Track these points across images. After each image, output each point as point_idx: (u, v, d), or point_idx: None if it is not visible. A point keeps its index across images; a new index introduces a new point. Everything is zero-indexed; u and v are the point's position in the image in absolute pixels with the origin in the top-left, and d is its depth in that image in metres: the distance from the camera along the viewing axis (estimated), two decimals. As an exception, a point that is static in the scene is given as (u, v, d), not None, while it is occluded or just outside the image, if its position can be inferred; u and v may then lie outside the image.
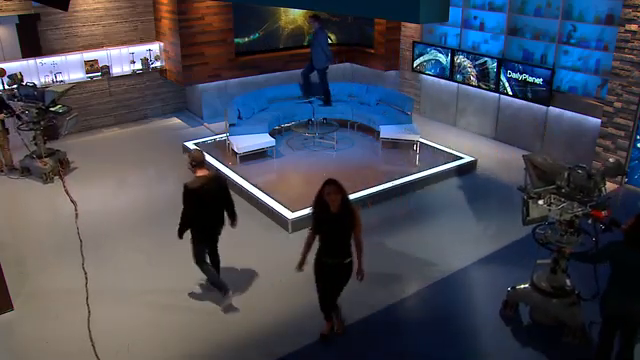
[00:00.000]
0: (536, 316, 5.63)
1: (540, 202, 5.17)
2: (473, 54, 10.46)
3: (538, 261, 5.52)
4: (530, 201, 5.21)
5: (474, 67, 10.39)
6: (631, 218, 4.47)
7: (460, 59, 10.64)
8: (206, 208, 5.58)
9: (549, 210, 5.15)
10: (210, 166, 9.06)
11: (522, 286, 5.64)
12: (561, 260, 5.29)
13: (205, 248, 5.83)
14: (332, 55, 10.58)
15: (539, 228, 5.46)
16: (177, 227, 5.69)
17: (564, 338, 5.27)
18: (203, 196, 5.49)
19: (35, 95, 8.54)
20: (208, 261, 5.89)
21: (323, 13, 11.17)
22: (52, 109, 8.65)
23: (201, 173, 5.55)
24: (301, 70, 10.93)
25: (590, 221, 4.94)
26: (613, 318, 4.60)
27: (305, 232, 7.21)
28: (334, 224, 4.88)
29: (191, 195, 5.48)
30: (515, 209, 7.81)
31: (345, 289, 6.10)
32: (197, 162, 5.54)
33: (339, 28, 12.98)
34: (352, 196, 7.74)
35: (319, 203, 4.87)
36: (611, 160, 5.27)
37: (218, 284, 5.83)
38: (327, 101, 10.60)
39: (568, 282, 5.42)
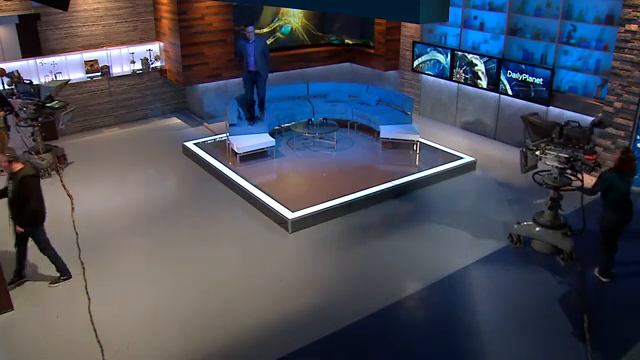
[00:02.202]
0: (536, 246, 6.80)
1: (537, 153, 6.44)
2: (473, 54, 10.47)
3: (536, 201, 6.82)
4: (528, 152, 6.54)
5: (483, 64, 10.32)
6: (616, 153, 5.99)
7: (468, 57, 10.59)
8: (41, 191, 6.08)
9: (539, 158, 6.44)
10: (209, 166, 9.08)
11: (525, 222, 6.83)
12: (556, 198, 6.53)
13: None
14: None
15: (537, 175, 6.63)
16: (28, 222, 5.96)
17: (562, 261, 6.51)
18: (40, 180, 6.07)
19: (32, 92, 8.64)
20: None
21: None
22: (48, 105, 8.71)
23: (18, 166, 5.87)
24: (244, 91, 9.87)
25: (579, 163, 6.16)
26: (607, 228, 6.03)
27: (305, 233, 7.27)
28: None
29: (37, 181, 5.94)
30: (515, 209, 7.86)
31: (344, 289, 6.12)
32: (15, 156, 5.91)
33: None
34: (352, 196, 7.83)
35: None
36: (599, 115, 6.63)
37: (20, 271, 6.17)
38: (262, 114, 9.92)
39: (561, 217, 6.69)
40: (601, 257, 6.24)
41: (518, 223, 6.88)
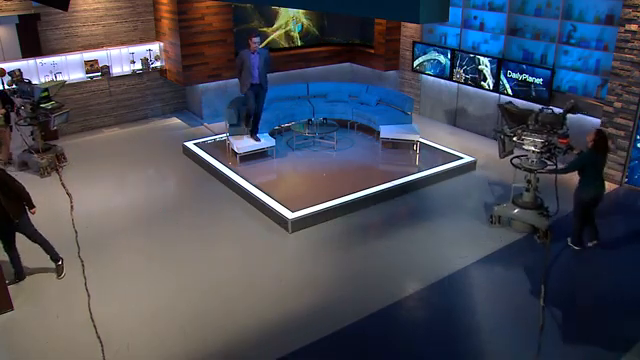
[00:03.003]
0: (515, 226, 7.27)
1: (514, 139, 6.95)
2: (473, 54, 10.47)
3: (514, 185, 7.30)
4: (506, 138, 7.09)
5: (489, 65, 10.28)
6: (591, 133, 6.50)
7: (479, 59, 10.56)
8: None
9: (516, 144, 7.02)
10: (209, 166, 9.08)
11: (504, 204, 7.34)
12: (533, 181, 7.07)
13: None
14: None
15: (515, 159, 7.12)
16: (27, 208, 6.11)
17: (538, 239, 6.97)
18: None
19: (29, 91, 8.65)
20: None
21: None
22: (42, 105, 8.71)
23: None
24: (245, 106, 9.22)
25: (553, 147, 6.71)
26: (587, 201, 6.57)
27: (305, 233, 7.27)
28: None
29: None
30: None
31: (344, 289, 6.13)
32: None
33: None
34: (352, 196, 7.83)
35: None
36: (571, 101, 7.16)
37: (20, 274, 6.26)
38: (256, 130, 9.35)
39: (538, 198, 7.19)
40: (574, 228, 6.81)
41: (498, 205, 7.40)
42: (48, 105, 8.77)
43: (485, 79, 10.29)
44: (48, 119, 8.95)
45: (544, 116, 6.77)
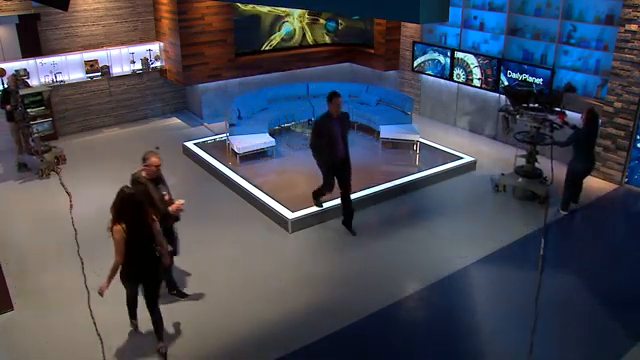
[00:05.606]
0: (517, 194, 8.11)
1: (517, 117, 7.78)
2: (473, 54, 10.47)
3: (517, 155, 8.11)
4: (509, 117, 7.90)
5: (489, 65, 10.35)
6: (584, 113, 7.33)
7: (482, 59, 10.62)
8: None
9: (517, 121, 7.90)
10: (209, 166, 9.07)
11: (508, 173, 8.24)
12: (533, 152, 7.91)
13: None
14: None
15: (517, 134, 7.96)
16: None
17: (538, 202, 7.85)
18: None
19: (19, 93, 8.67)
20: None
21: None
22: (28, 109, 8.66)
23: None
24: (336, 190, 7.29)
25: (551, 122, 7.49)
26: (577, 172, 7.47)
27: (305, 233, 7.27)
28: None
29: None
30: (515, 209, 7.86)
31: (344, 289, 6.13)
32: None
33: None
34: (352, 196, 7.80)
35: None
36: (568, 82, 7.96)
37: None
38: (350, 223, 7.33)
39: (537, 168, 8.00)
40: (564, 195, 7.63)
41: (502, 174, 8.27)
42: (32, 112, 8.72)
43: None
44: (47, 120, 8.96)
45: (543, 96, 7.62)
